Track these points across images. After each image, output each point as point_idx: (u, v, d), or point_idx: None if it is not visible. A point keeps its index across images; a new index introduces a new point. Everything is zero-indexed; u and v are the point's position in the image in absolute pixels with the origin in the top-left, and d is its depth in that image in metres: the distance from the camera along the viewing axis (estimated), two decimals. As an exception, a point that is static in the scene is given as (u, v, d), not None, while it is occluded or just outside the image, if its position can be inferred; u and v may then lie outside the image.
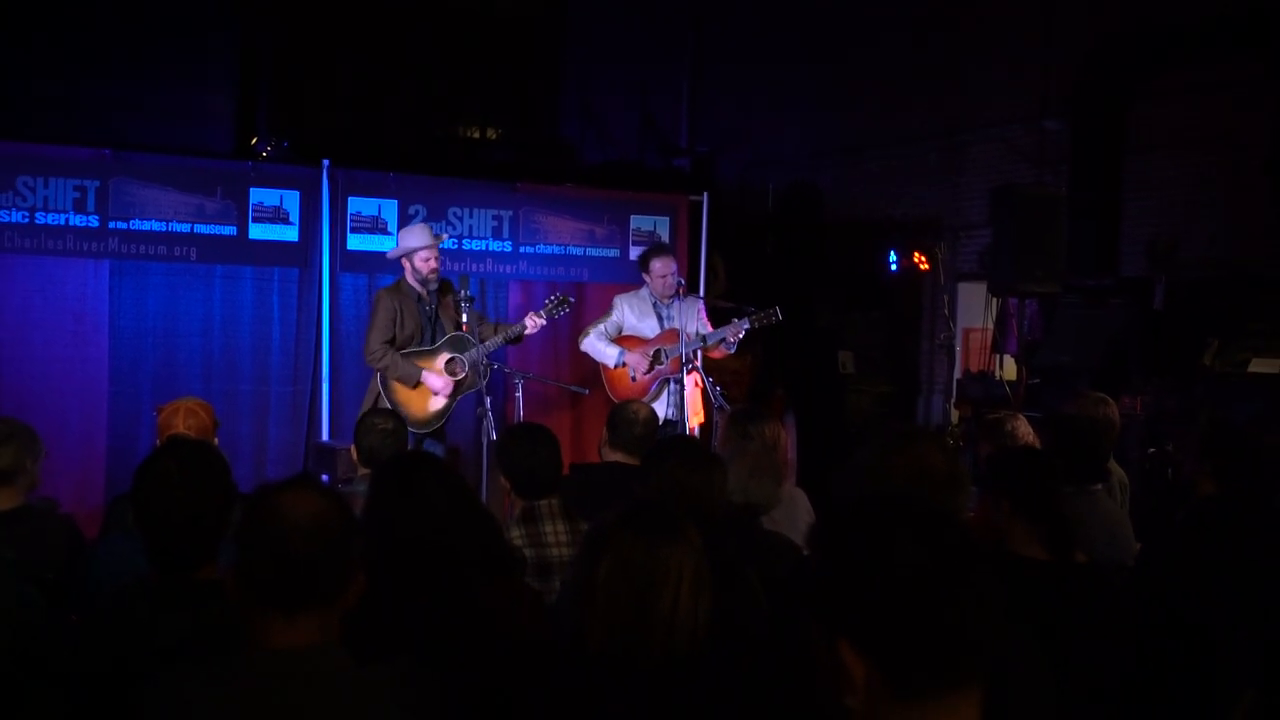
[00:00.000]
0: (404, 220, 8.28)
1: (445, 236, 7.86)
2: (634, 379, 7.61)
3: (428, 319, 7.30)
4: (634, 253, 8.88)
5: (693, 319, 7.62)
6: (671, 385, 7.44)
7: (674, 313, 7.58)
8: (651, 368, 7.53)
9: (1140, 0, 9.12)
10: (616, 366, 7.64)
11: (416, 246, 7.24)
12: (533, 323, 7.34)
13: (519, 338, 7.42)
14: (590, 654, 2.40)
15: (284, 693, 2.17)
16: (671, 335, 7.53)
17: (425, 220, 8.19)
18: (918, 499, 1.69)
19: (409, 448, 5.87)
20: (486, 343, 7.23)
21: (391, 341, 7.14)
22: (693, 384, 7.51)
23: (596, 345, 7.75)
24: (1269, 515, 4.46)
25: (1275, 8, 8.23)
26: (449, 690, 2.34)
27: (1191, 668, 3.68)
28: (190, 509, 2.81)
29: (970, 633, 1.53)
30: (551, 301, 7.46)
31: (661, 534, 2.46)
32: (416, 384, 7.13)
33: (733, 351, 7.72)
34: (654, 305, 7.74)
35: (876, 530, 1.58)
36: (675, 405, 7.45)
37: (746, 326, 7.47)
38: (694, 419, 7.60)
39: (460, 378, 7.19)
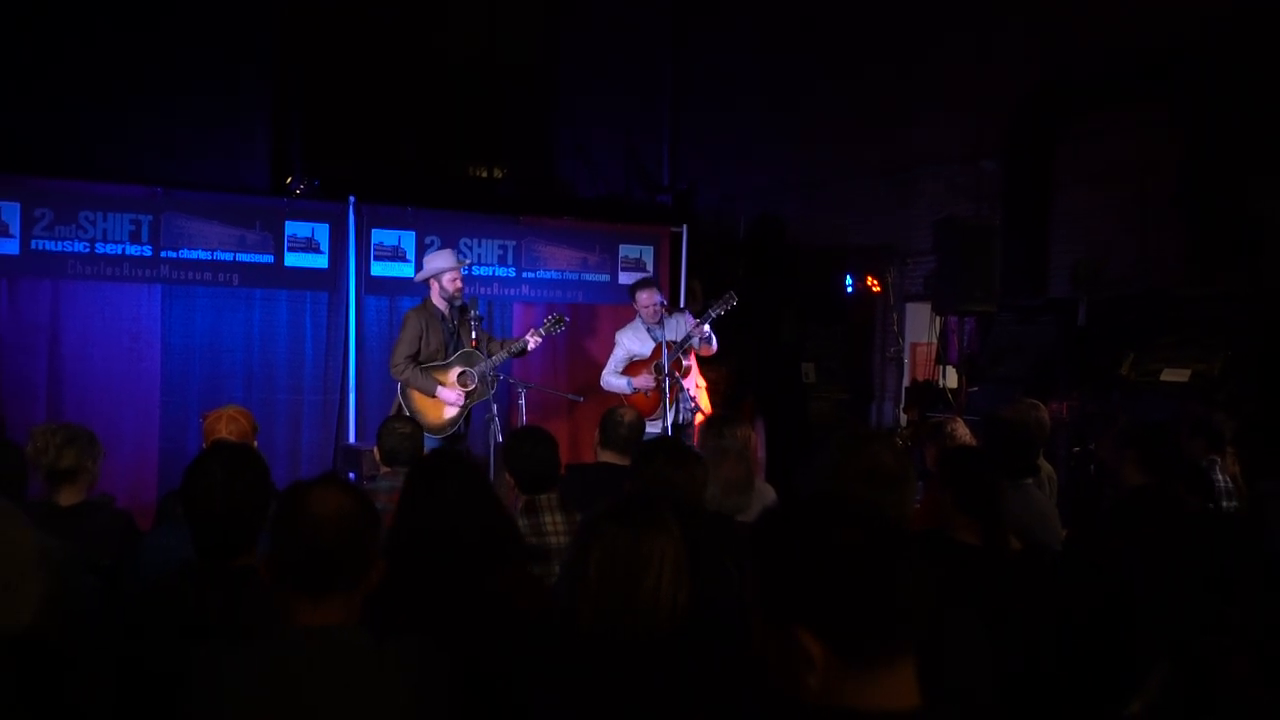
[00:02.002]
0: (421, 249, 8.28)
1: (468, 261, 7.87)
2: (647, 395, 7.61)
3: (450, 335, 7.30)
4: (622, 277, 8.97)
5: (680, 330, 7.63)
6: (678, 391, 7.40)
7: (664, 331, 7.59)
8: (658, 381, 7.51)
9: (1061, 54, 9.15)
10: (634, 393, 7.64)
11: (444, 268, 7.26)
12: (534, 340, 7.35)
13: (522, 352, 7.43)
14: (582, 631, 2.40)
15: (311, 667, 2.16)
16: (661, 350, 7.54)
17: (441, 248, 8.19)
18: (843, 498, 1.71)
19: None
20: (493, 357, 7.24)
21: (415, 356, 7.15)
22: (694, 384, 7.53)
23: (611, 381, 7.82)
24: (1183, 504, 4.47)
25: (1178, 60, 8.28)
26: (457, 664, 2.33)
27: (1113, 639, 3.67)
28: (232, 504, 2.81)
29: (905, 605, 1.56)
30: (549, 320, 7.49)
31: (645, 525, 2.45)
32: (434, 394, 7.13)
33: (714, 348, 7.68)
34: (648, 330, 7.74)
35: (814, 528, 1.61)
36: (686, 409, 7.43)
37: (710, 318, 7.48)
38: (699, 417, 7.54)
39: (470, 389, 7.20)
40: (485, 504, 3.24)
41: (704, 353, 7.71)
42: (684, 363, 7.46)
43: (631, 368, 7.79)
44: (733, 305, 7.48)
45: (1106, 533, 4.35)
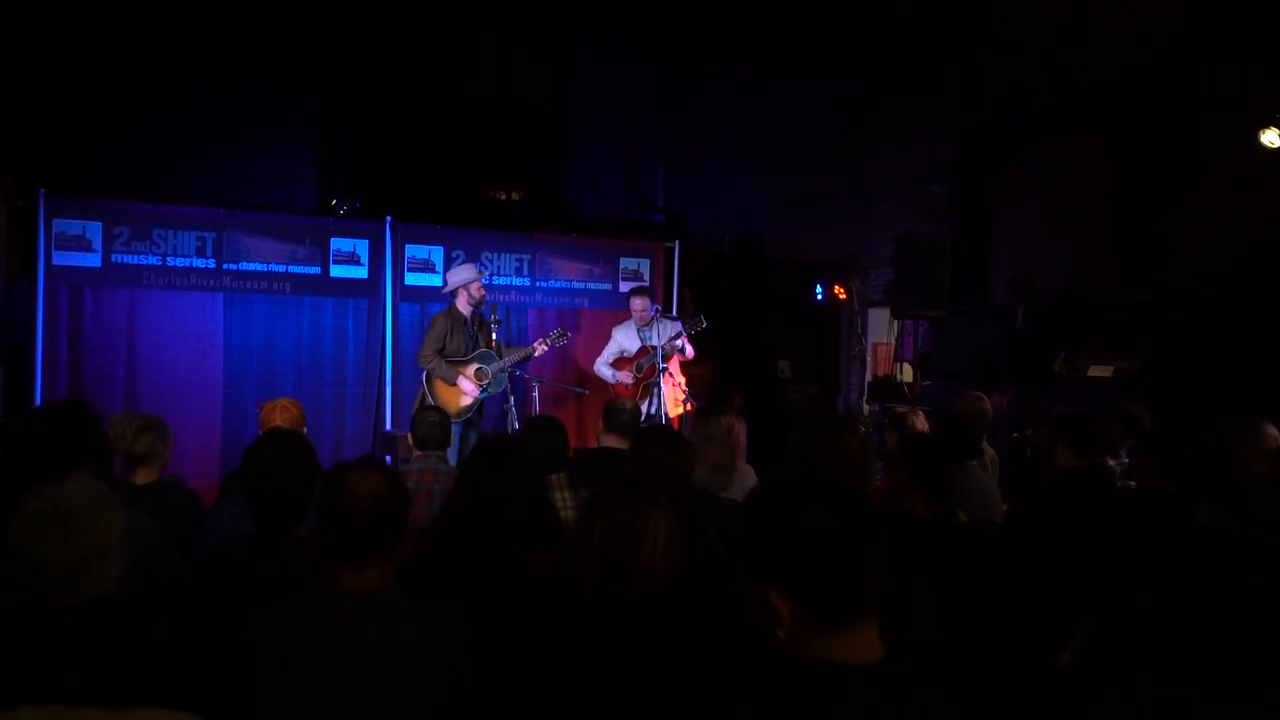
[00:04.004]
0: (448, 262, 8.31)
1: (487, 271, 7.94)
2: (628, 387, 7.74)
3: (470, 336, 7.36)
4: (623, 286, 9.04)
5: (666, 335, 7.70)
6: (653, 388, 7.50)
7: (652, 333, 7.69)
8: (636, 379, 7.71)
9: (1002, 94, 9.14)
10: (617, 384, 7.82)
11: (470, 279, 7.36)
12: (540, 349, 7.49)
13: (528, 358, 7.52)
14: (587, 594, 2.41)
15: (354, 625, 2.18)
16: (644, 351, 7.72)
17: (464, 261, 8.23)
18: (823, 477, 1.74)
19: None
20: (505, 359, 7.34)
21: (440, 351, 7.21)
22: (670, 385, 7.58)
23: (603, 371, 8.06)
24: (1110, 483, 4.48)
25: (1107, 99, 8.29)
26: (481, 624, 2.34)
27: (1045, 602, 3.68)
28: (284, 483, 2.81)
29: (865, 576, 1.59)
30: (553, 335, 7.64)
31: (643, 503, 2.45)
32: (454, 383, 7.19)
33: (688, 356, 7.75)
34: (638, 330, 7.85)
35: (788, 505, 1.64)
36: (656, 401, 7.48)
37: (683, 334, 7.56)
38: (674, 410, 7.62)
39: (484, 382, 7.25)
40: (537, 488, 3.24)
41: (685, 357, 7.81)
42: (660, 366, 7.49)
43: (619, 362, 7.96)
44: (702, 326, 7.62)
45: (1042, 507, 4.35)
